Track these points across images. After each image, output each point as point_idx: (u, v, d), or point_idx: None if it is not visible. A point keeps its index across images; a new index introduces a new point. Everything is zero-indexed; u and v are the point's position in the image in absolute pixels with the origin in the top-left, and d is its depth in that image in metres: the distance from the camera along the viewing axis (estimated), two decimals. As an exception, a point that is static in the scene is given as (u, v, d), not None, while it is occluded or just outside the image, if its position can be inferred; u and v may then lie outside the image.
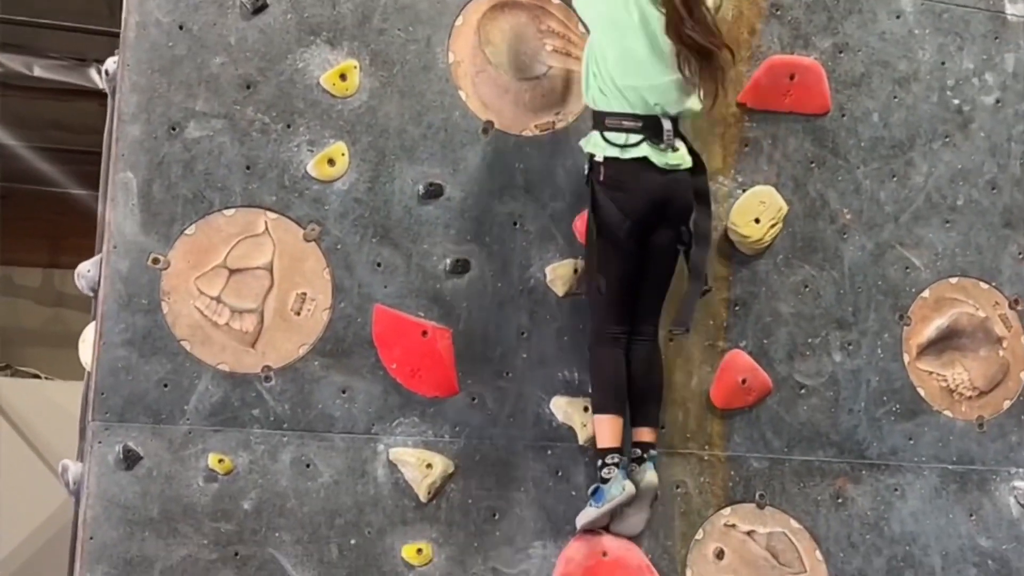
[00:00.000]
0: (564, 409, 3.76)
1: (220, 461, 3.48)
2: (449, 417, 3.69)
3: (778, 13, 4.08)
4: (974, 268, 4.22)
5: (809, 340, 4.03)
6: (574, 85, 3.81)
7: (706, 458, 3.90)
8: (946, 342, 4.15)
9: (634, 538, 3.71)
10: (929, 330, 4.14)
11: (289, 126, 3.63)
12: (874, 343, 4.09)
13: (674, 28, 3.43)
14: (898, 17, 4.20)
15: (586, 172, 3.57)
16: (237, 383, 3.54)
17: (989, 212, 4.25)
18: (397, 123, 3.72)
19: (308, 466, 3.56)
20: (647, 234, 3.55)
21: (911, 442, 4.10)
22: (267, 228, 3.59)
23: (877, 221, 4.13)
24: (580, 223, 3.75)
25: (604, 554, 3.66)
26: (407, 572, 3.58)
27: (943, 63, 4.24)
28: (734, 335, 3.96)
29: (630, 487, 3.50)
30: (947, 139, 4.23)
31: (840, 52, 4.13)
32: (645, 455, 3.63)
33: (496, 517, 3.69)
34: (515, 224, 3.80)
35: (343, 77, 3.68)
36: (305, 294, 3.60)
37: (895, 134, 4.17)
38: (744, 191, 4.00)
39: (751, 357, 3.93)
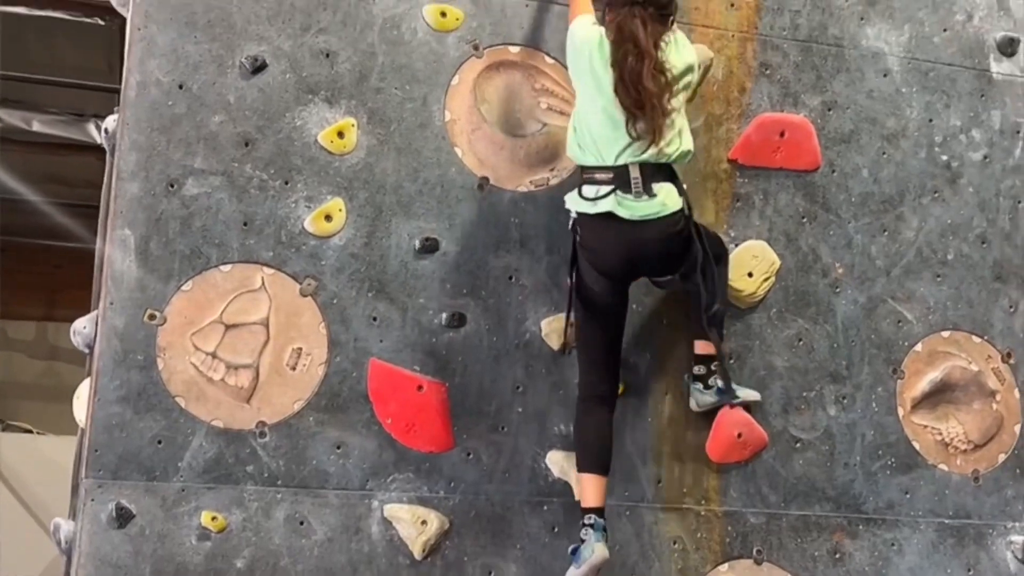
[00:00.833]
0: (560, 464, 3.76)
1: (213, 519, 3.47)
2: (444, 473, 3.69)
3: (767, 72, 4.15)
4: (966, 322, 4.25)
5: (804, 394, 4.05)
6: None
7: (703, 513, 3.89)
8: (940, 395, 4.17)
9: None
10: (923, 383, 4.16)
11: (287, 182, 3.66)
12: (868, 397, 4.11)
13: (620, 81, 3.38)
14: (885, 75, 4.27)
15: (570, 228, 3.58)
16: (231, 439, 3.54)
17: (980, 266, 4.29)
18: (394, 179, 3.76)
19: (302, 523, 3.55)
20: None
21: (907, 496, 4.10)
22: (264, 283, 3.61)
23: (869, 275, 4.17)
24: None
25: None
26: (402, 629, 3.56)
27: (931, 120, 4.30)
28: (729, 389, 3.97)
29: (600, 550, 3.44)
30: (936, 194, 4.28)
31: (829, 109, 4.20)
32: (711, 367, 3.76)
33: (491, 574, 3.67)
34: (510, 278, 3.83)
35: (341, 135, 3.72)
36: (301, 349, 3.62)
37: (885, 189, 4.22)
38: (737, 246, 4.03)
39: (746, 411, 3.93)
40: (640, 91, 3.34)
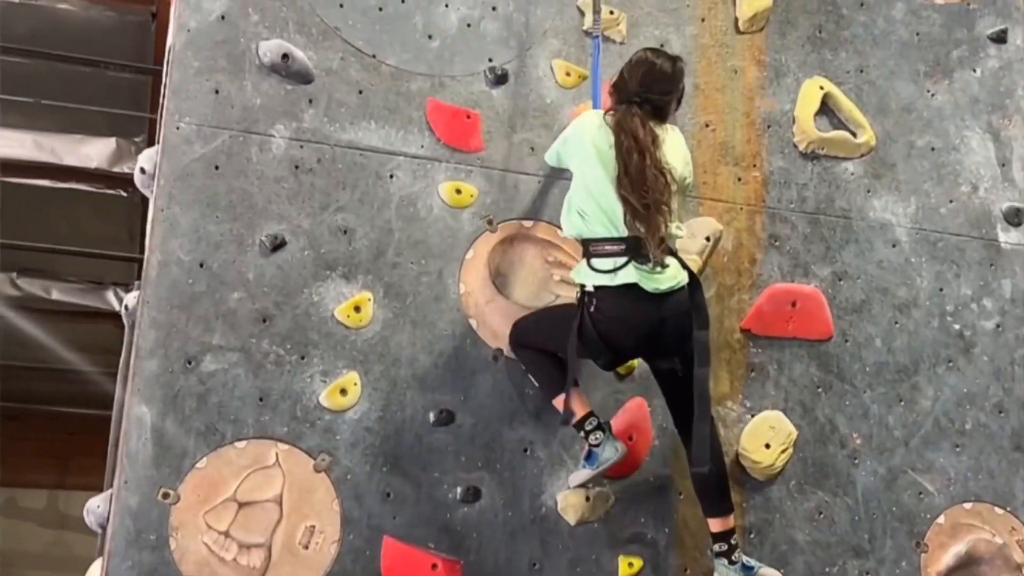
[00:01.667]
0: (578, 644, 3.67)
1: None
2: (460, 654, 3.60)
3: (776, 244, 4.21)
4: (987, 493, 4.19)
5: (827, 569, 3.97)
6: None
7: None
8: (965, 570, 4.08)
9: None
10: (947, 557, 4.08)
11: (303, 357, 3.69)
12: (892, 571, 4.02)
13: (617, 183, 3.41)
14: (894, 246, 4.33)
15: (577, 300, 3.56)
16: (243, 620, 3.47)
17: (998, 436, 4.26)
18: (409, 352, 3.79)
19: None
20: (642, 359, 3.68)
21: (936, 675, 3.98)
22: (278, 459, 3.60)
23: (887, 446, 4.14)
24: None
25: None
26: None
27: (941, 289, 4.34)
28: (749, 564, 3.89)
29: (622, 448, 3.56)
30: (951, 363, 4.28)
31: (839, 280, 4.25)
32: (731, 543, 3.58)
33: None
34: (525, 451, 3.81)
35: (357, 309, 3.77)
36: (314, 527, 3.58)
37: (899, 359, 4.23)
38: (752, 416, 4.02)
39: (769, 588, 3.85)
40: (644, 191, 3.36)
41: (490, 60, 4.07)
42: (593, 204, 3.47)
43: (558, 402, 3.64)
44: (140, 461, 3.49)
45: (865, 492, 4.07)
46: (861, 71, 4.47)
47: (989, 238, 4.44)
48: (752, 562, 3.65)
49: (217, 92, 3.76)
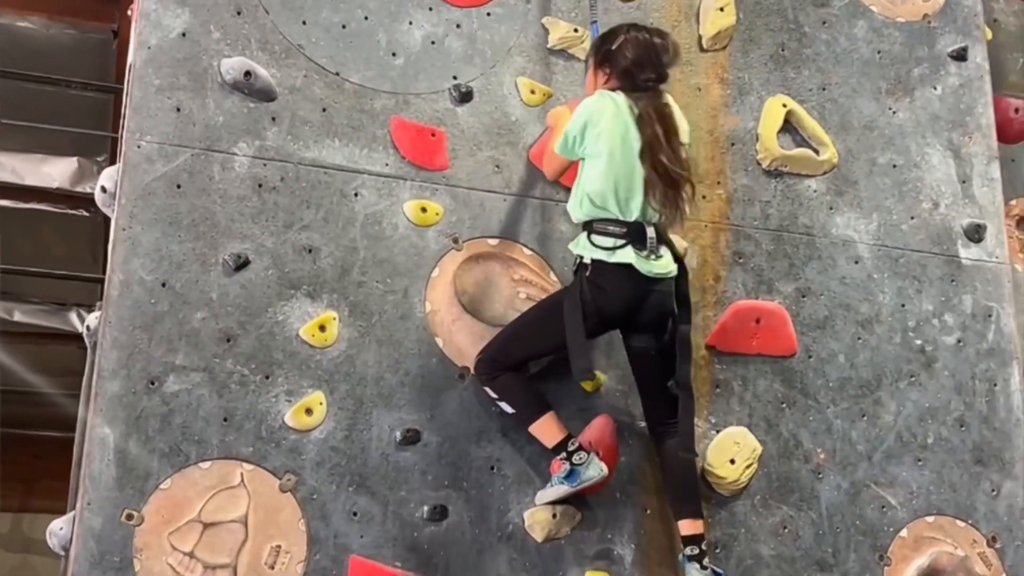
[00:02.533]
0: (545, 663, 3.66)
1: None
2: (427, 674, 3.58)
3: (741, 260, 4.24)
4: (949, 506, 4.23)
5: (791, 584, 3.99)
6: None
7: None
8: (928, 582, 4.12)
9: None
10: (910, 570, 4.10)
11: (268, 377, 3.67)
12: (856, 585, 4.05)
13: (648, 153, 3.58)
14: (856, 263, 4.37)
15: (574, 270, 3.68)
16: (208, 643, 3.43)
17: (959, 450, 4.30)
18: (375, 371, 3.78)
19: None
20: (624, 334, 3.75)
21: None
22: (243, 480, 3.57)
23: (851, 460, 4.17)
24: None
25: None
26: None
27: (903, 305, 4.39)
28: (715, 580, 3.91)
29: (605, 469, 3.64)
30: (913, 378, 4.32)
31: (803, 296, 4.28)
32: (702, 547, 3.65)
33: None
34: (492, 468, 3.80)
35: (322, 328, 3.75)
36: (280, 547, 3.55)
37: (862, 374, 4.27)
38: (718, 432, 4.04)
39: (734, 604, 3.86)
40: (679, 172, 3.59)
41: (455, 78, 4.08)
42: (611, 184, 3.58)
43: (536, 427, 3.67)
44: (103, 482, 3.45)
45: (829, 506, 4.10)
46: (823, 89, 4.52)
47: (950, 254, 4.49)
48: (720, 571, 3.68)
49: (179, 110, 3.74)
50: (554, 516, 3.77)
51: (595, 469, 3.62)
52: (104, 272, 3.65)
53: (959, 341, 4.42)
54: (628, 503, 3.89)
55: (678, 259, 3.72)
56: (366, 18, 4.03)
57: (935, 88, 4.67)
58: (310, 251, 3.79)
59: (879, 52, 4.63)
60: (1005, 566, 4.22)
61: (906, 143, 4.57)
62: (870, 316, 4.33)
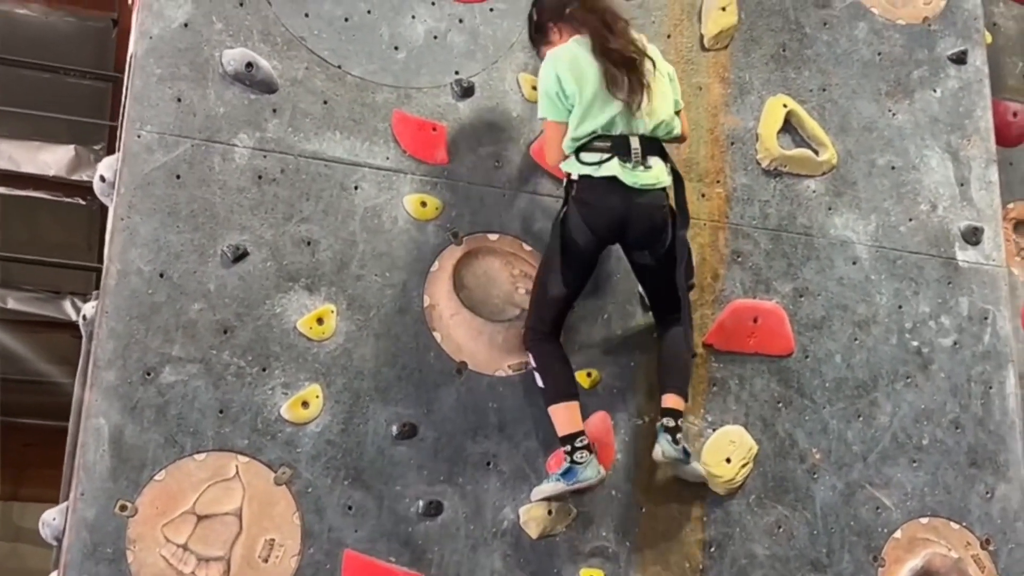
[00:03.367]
0: (539, 658, 3.66)
1: None
2: (420, 668, 3.58)
3: (739, 259, 4.24)
4: (944, 508, 4.23)
5: (785, 583, 3.99)
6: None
7: None
8: (921, 584, 4.13)
9: None
10: (903, 572, 4.11)
11: (264, 369, 3.66)
12: (850, 585, 4.06)
13: (599, 46, 3.66)
14: (854, 263, 4.38)
15: (564, 190, 3.76)
16: (201, 635, 3.42)
17: (954, 451, 4.30)
18: (372, 365, 3.77)
19: None
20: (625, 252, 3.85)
21: None
22: (238, 472, 3.56)
23: (846, 461, 4.18)
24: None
25: None
26: None
27: (900, 307, 4.39)
28: (710, 578, 3.92)
29: (604, 473, 3.67)
30: (909, 380, 4.33)
31: (801, 296, 4.28)
32: (678, 422, 3.75)
33: None
34: (488, 464, 3.80)
35: (320, 321, 3.74)
36: (274, 540, 3.54)
37: (858, 375, 4.27)
38: (714, 430, 4.04)
39: (728, 601, 3.86)
40: (626, 52, 3.65)
41: (456, 73, 4.07)
42: (587, 109, 3.63)
43: (556, 410, 3.70)
44: (97, 473, 3.44)
45: (824, 507, 4.10)
46: (824, 90, 4.52)
47: (947, 256, 4.50)
48: (688, 450, 3.79)
49: (179, 100, 3.73)
50: (549, 513, 3.77)
51: (592, 470, 3.63)
52: (100, 261, 3.63)
53: (955, 343, 4.42)
54: (623, 501, 3.89)
55: (674, 170, 3.77)
56: (369, 11, 4.02)
57: (935, 91, 4.67)
58: (309, 244, 3.78)
59: (879, 54, 4.63)
60: (998, 569, 4.23)
61: (905, 145, 4.57)
62: (867, 317, 4.34)
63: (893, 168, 4.53)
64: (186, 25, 3.79)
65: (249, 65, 3.78)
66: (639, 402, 3.98)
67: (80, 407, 3.59)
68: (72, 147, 6.61)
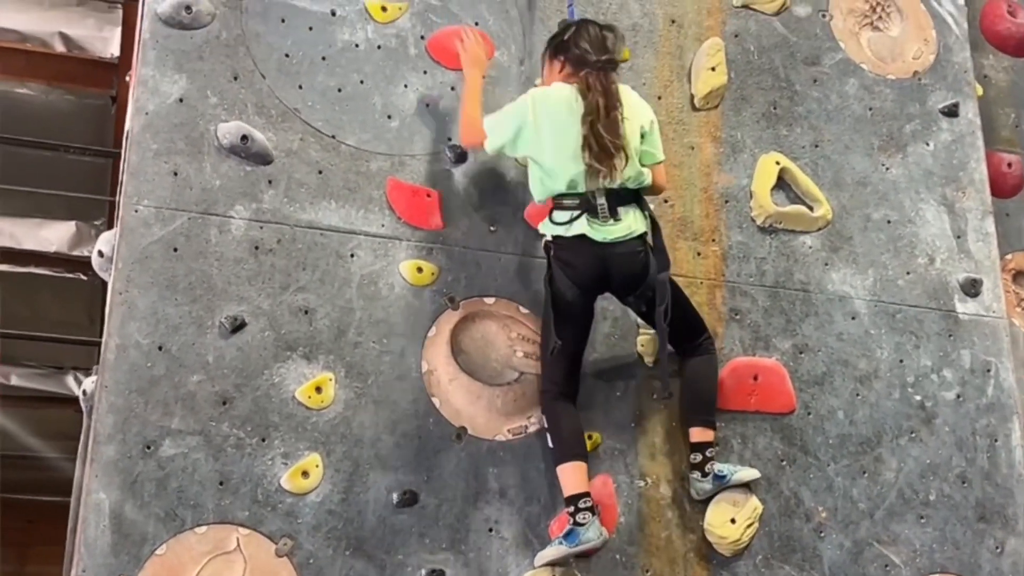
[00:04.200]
0: None
1: None
2: None
3: (737, 317, 4.24)
4: (953, 564, 4.18)
5: (796, 644, 3.93)
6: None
7: None
8: (933, 642, 4.06)
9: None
10: (915, 630, 4.06)
11: (264, 440, 3.65)
12: (861, 645, 4.00)
13: (588, 120, 3.67)
14: (853, 318, 4.37)
15: (543, 250, 3.80)
16: None
17: (962, 506, 4.26)
18: (372, 432, 3.76)
19: None
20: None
21: None
22: (239, 545, 3.54)
23: (852, 518, 4.13)
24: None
25: None
26: None
27: (901, 361, 4.37)
28: (719, 642, 3.86)
29: (607, 534, 3.69)
30: (913, 434, 4.30)
31: (801, 353, 4.27)
32: (706, 454, 3.87)
33: None
34: (490, 530, 3.77)
35: (319, 390, 3.74)
36: (276, 613, 3.51)
37: (862, 431, 4.25)
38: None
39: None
40: (612, 141, 3.66)
41: (449, 139, 4.11)
42: (560, 164, 3.69)
43: (563, 469, 3.71)
44: (98, 548, 3.41)
45: (832, 566, 4.05)
46: (816, 146, 4.55)
47: (947, 309, 4.49)
48: (725, 469, 3.85)
49: (176, 174, 3.76)
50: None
51: (595, 532, 3.62)
52: (101, 336, 3.64)
53: (959, 396, 4.40)
54: (627, 564, 3.85)
55: (650, 217, 3.81)
56: (362, 82, 4.07)
57: (928, 144, 4.70)
58: (306, 312, 3.79)
59: (871, 109, 4.67)
60: (1012, 625, 4.18)
61: (900, 199, 4.59)
62: (868, 372, 4.32)
63: (889, 222, 4.55)
64: (181, 100, 3.84)
65: (244, 138, 3.83)
66: (641, 464, 3.96)
67: (81, 483, 3.58)
68: (73, 223, 6.66)
